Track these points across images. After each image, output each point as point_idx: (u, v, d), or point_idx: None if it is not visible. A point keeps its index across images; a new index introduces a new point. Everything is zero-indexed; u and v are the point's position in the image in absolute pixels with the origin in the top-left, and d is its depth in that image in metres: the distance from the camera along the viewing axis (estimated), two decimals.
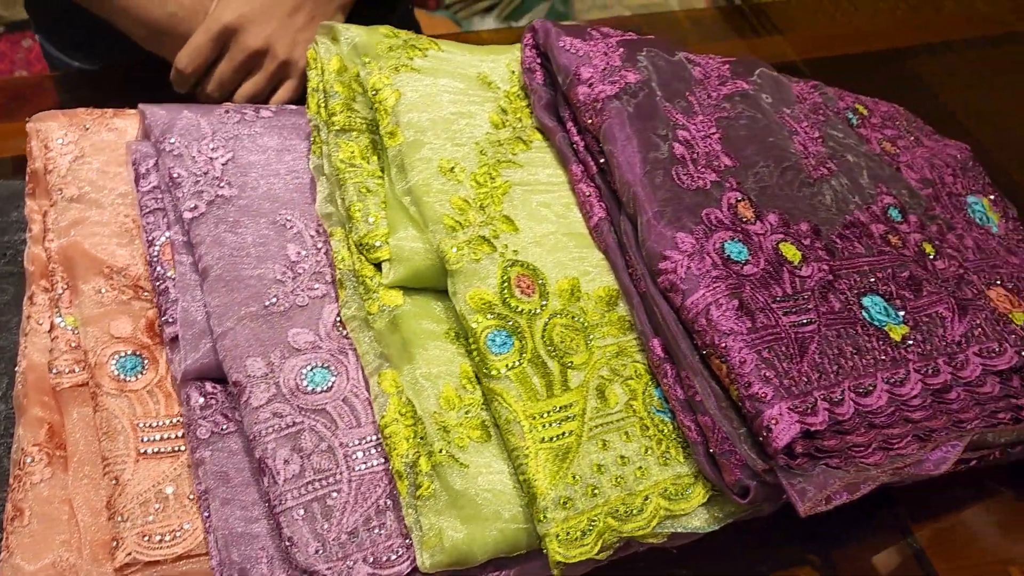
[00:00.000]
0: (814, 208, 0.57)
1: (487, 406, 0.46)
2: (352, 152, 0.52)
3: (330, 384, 0.47)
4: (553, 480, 0.43)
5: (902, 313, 0.54)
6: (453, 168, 0.51)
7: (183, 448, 0.49)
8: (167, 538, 0.46)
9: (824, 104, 0.70)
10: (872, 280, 0.55)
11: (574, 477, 0.44)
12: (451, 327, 0.49)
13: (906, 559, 0.63)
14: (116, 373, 0.50)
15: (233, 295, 0.49)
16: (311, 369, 0.48)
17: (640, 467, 0.47)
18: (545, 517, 0.43)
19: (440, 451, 0.44)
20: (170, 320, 0.50)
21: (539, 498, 0.43)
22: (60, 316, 0.53)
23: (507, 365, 0.45)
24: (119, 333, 0.52)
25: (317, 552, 0.42)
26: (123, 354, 0.51)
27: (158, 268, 0.52)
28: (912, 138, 0.76)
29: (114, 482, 0.47)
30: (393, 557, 0.44)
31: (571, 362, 0.48)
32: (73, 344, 0.52)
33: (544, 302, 0.49)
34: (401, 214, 0.50)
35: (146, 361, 0.52)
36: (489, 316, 0.46)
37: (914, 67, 1.01)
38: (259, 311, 0.49)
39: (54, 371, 0.51)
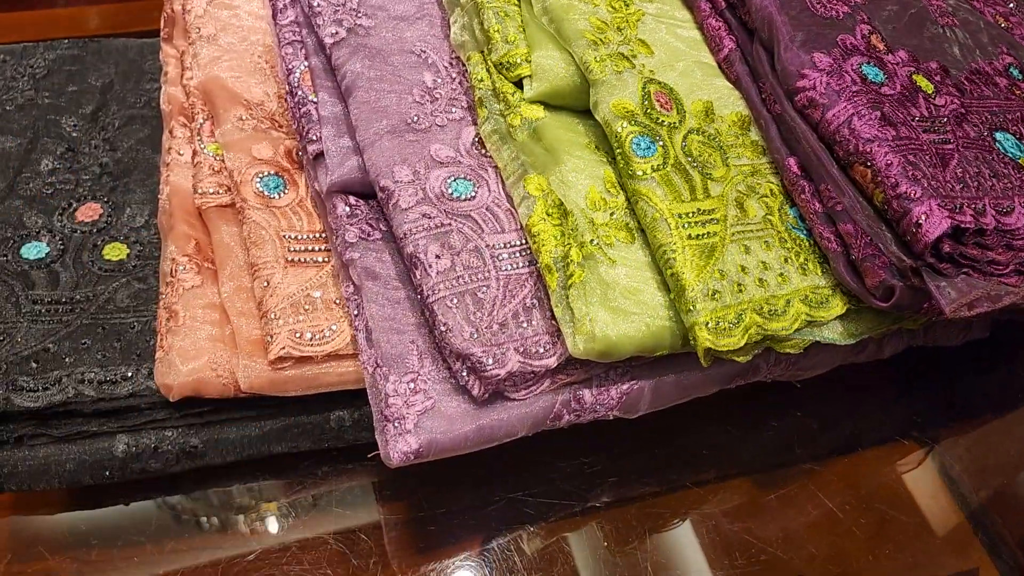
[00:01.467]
0: (942, 51, 0.57)
1: (631, 211, 0.47)
2: None
3: (473, 194, 0.48)
4: (700, 274, 0.44)
5: None
6: None
7: (327, 260, 0.51)
8: (316, 337, 0.48)
9: None
10: (1002, 119, 0.55)
11: (720, 272, 0.45)
12: (591, 140, 0.49)
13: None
14: (260, 190, 0.52)
15: (377, 112, 0.50)
16: (454, 180, 0.49)
17: (781, 274, 0.47)
18: (694, 307, 0.43)
19: (591, 242, 0.45)
20: (313, 139, 0.51)
21: (687, 289, 0.44)
22: (202, 143, 0.55)
23: (652, 167, 0.46)
24: (261, 155, 0.54)
25: (472, 336, 0.43)
26: (266, 174, 0.53)
27: (299, 93, 0.53)
28: (1023, 16, 0.75)
29: (265, 284, 0.48)
30: (541, 350, 0.45)
31: (710, 174, 0.48)
32: (215, 169, 0.54)
33: (681, 118, 0.49)
34: (541, 34, 0.51)
35: (287, 183, 0.53)
36: (632, 123, 0.47)
37: None
38: (402, 127, 0.50)
39: (199, 192, 0.53)
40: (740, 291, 0.45)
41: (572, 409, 0.47)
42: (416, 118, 0.51)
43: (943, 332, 0.59)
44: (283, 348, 0.47)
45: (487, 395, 0.45)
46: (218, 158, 0.54)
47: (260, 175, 0.53)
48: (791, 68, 0.50)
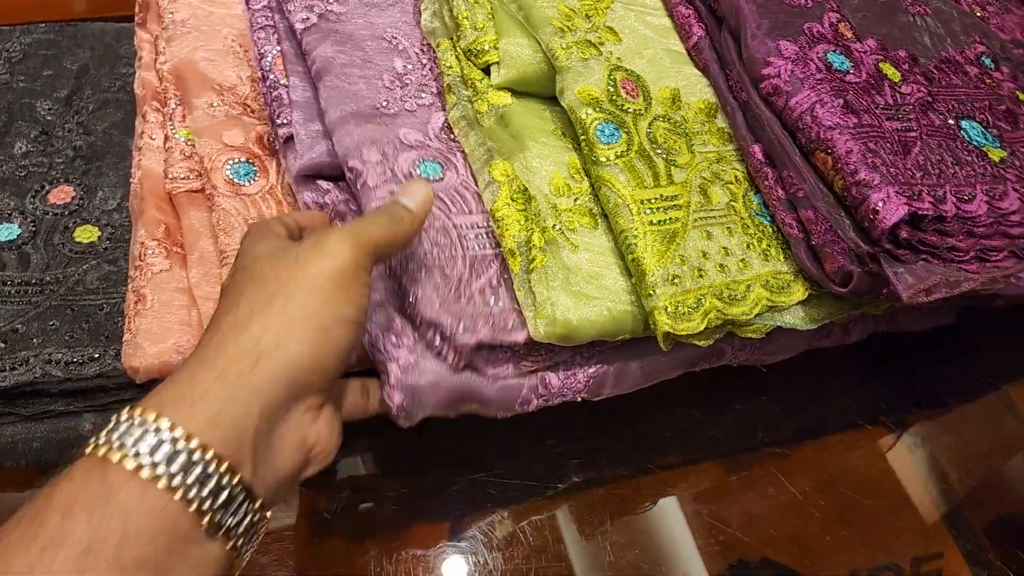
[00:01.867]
0: (912, 40, 0.57)
1: (595, 197, 0.48)
2: None
3: (441, 176, 0.49)
4: (661, 259, 0.45)
5: (999, 141, 0.54)
6: None
7: None
8: None
9: None
10: (969, 108, 0.55)
11: (681, 258, 0.45)
12: (557, 127, 0.50)
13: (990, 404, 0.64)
14: (230, 177, 0.52)
15: (347, 97, 0.50)
16: (422, 162, 0.49)
17: (743, 259, 0.47)
18: (654, 292, 0.44)
19: (553, 227, 0.45)
20: (284, 122, 0.51)
21: (647, 274, 0.44)
22: (174, 128, 0.55)
23: (615, 153, 0.47)
24: (232, 142, 0.54)
25: (442, 306, 0.44)
26: (236, 160, 0.53)
27: (271, 77, 0.53)
28: (1001, 6, 0.76)
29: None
30: (510, 325, 0.45)
31: (674, 160, 0.49)
32: (187, 154, 0.54)
33: (647, 105, 0.50)
34: (509, 21, 0.51)
35: (257, 170, 0.54)
36: (597, 110, 0.48)
37: None
38: (371, 111, 0.50)
39: (170, 176, 0.53)
40: (700, 276, 0.45)
41: (540, 394, 0.48)
42: (386, 103, 0.51)
43: (908, 318, 0.59)
44: None
45: (461, 364, 0.45)
46: (189, 143, 0.55)
47: (231, 161, 0.53)
48: (757, 56, 0.50)
